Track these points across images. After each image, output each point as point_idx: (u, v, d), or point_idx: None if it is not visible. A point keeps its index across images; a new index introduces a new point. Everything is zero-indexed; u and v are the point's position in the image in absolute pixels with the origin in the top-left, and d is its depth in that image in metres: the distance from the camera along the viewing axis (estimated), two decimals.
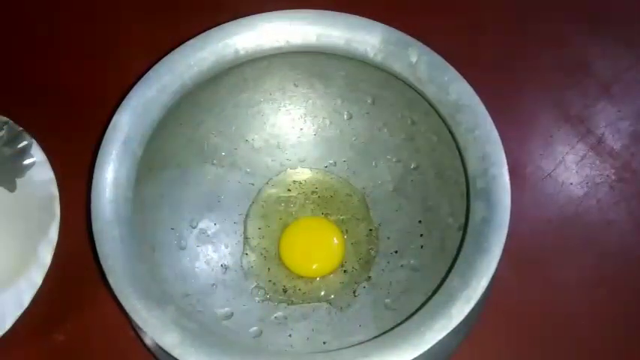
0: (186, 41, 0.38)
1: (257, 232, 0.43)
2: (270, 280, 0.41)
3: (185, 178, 0.42)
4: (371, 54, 0.38)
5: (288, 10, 0.38)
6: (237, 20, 0.38)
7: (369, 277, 0.41)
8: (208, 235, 0.42)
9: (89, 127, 0.42)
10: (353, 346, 0.31)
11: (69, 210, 0.44)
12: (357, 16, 0.38)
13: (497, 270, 0.32)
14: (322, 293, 0.41)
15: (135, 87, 0.37)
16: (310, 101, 0.43)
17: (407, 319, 0.31)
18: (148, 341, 0.36)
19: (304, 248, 0.42)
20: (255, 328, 0.39)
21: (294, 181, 0.44)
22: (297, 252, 0.42)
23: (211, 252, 0.42)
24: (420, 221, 0.41)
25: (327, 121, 0.44)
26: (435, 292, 0.32)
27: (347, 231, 0.43)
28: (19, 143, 0.45)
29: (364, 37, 0.37)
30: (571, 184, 0.46)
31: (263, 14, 0.39)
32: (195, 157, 0.42)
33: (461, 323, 0.31)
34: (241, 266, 0.42)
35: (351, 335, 0.38)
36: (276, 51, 0.39)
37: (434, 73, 0.36)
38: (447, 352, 0.36)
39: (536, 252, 0.44)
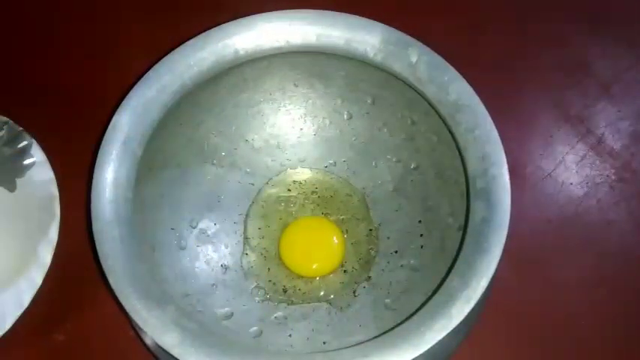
0: (186, 41, 0.38)
1: (257, 232, 0.43)
2: (270, 280, 0.41)
3: (185, 178, 0.42)
4: (371, 54, 0.38)
5: (288, 10, 0.38)
6: (237, 20, 0.38)
7: (369, 277, 0.41)
8: (208, 235, 0.42)
9: (89, 127, 0.42)
10: (353, 346, 0.31)
11: (69, 210, 0.44)
12: (357, 16, 0.38)
13: (497, 270, 0.32)
14: (322, 293, 0.41)
15: (135, 87, 0.37)
16: (310, 101, 0.43)
17: (407, 319, 0.31)
18: (147, 341, 0.36)
19: (304, 248, 0.42)
20: (255, 328, 0.39)
21: (294, 181, 0.44)
22: (297, 252, 0.42)
23: (211, 252, 0.42)
24: (420, 221, 0.41)
25: (327, 121, 0.44)
26: (435, 292, 0.32)
27: (347, 231, 0.43)
28: (19, 143, 0.45)
29: (364, 37, 0.37)
30: (571, 184, 0.46)
31: (263, 14, 0.39)
32: (195, 157, 0.42)
33: (461, 323, 0.31)
34: (241, 266, 0.42)
35: (351, 335, 0.38)
36: (276, 51, 0.39)
37: (434, 73, 0.36)
38: (447, 352, 0.36)
39: (536, 252, 0.44)
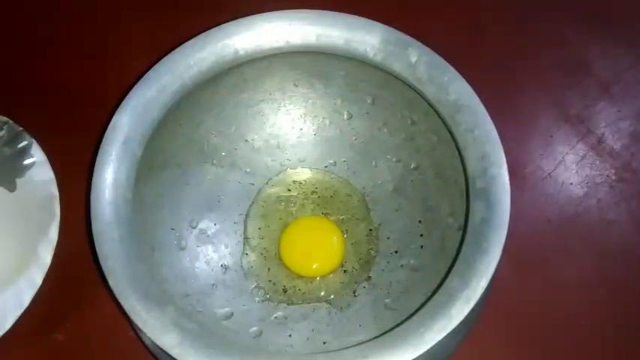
0: (186, 41, 0.38)
1: (257, 232, 0.43)
2: (270, 280, 0.41)
3: (185, 178, 0.42)
4: (371, 54, 0.38)
5: (287, 10, 0.38)
6: (237, 20, 0.38)
7: (369, 277, 0.41)
8: (208, 235, 0.42)
9: (89, 127, 0.42)
10: (353, 346, 0.31)
11: (69, 210, 0.44)
12: (357, 16, 0.38)
13: (497, 270, 0.32)
14: (322, 293, 0.41)
15: (135, 87, 0.37)
16: (310, 101, 0.43)
17: (407, 319, 0.32)
18: (147, 341, 0.36)
19: (304, 248, 0.42)
20: (255, 328, 0.39)
21: (294, 181, 0.44)
22: (297, 252, 0.42)
23: (211, 252, 0.42)
24: (420, 221, 0.41)
25: (327, 121, 0.44)
26: (434, 292, 0.32)
27: (347, 231, 0.43)
28: (19, 143, 0.45)
29: (364, 37, 0.37)
30: (571, 184, 0.46)
31: (263, 14, 0.39)
32: (195, 157, 0.42)
33: (461, 323, 0.31)
34: (241, 266, 0.42)
35: (351, 335, 0.38)
36: (275, 51, 0.39)
37: (433, 73, 0.36)
38: (447, 353, 0.36)
39: (536, 252, 0.44)
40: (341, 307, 0.40)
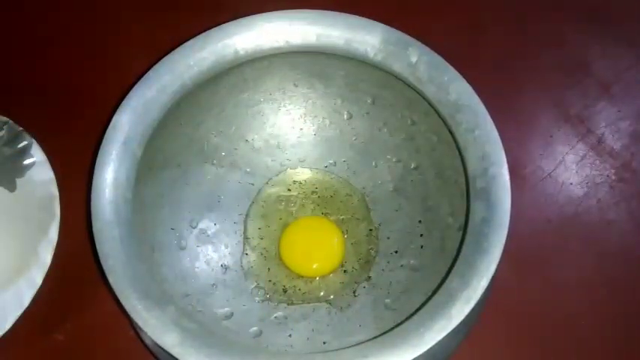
0: (186, 41, 0.38)
1: (257, 232, 0.43)
2: (270, 280, 0.41)
3: (185, 178, 0.42)
4: (371, 54, 0.38)
5: (288, 10, 0.38)
6: (237, 20, 0.38)
7: (369, 277, 0.41)
8: (208, 235, 0.42)
9: (89, 127, 0.42)
10: (353, 346, 0.31)
11: (69, 210, 0.44)
12: (357, 16, 0.38)
13: (497, 270, 0.32)
14: (322, 293, 0.41)
15: (135, 87, 0.37)
16: (310, 101, 0.43)
17: (407, 319, 0.31)
18: (147, 341, 0.36)
19: (304, 248, 0.42)
20: (255, 328, 0.39)
21: (294, 181, 0.44)
22: (297, 251, 0.42)
23: (211, 252, 0.42)
24: (420, 221, 0.41)
25: (327, 121, 0.44)
26: (434, 292, 0.32)
27: (347, 231, 0.43)
28: (19, 143, 0.45)
29: (364, 37, 0.37)
30: (571, 184, 0.46)
31: (263, 14, 0.39)
32: (195, 157, 0.42)
33: (461, 323, 0.31)
34: (241, 266, 0.42)
35: (351, 335, 0.38)
36: (276, 51, 0.39)
37: (434, 73, 0.36)
38: (447, 353, 0.36)
39: (536, 252, 0.44)
40: (341, 307, 0.40)
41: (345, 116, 0.43)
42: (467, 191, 0.35)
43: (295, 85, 0.42)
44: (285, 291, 0.41)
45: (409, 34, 0.37)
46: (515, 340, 0.42)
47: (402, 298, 0.39)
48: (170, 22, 0.53)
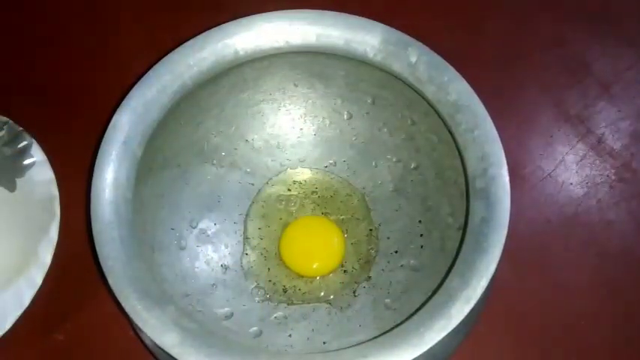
0: (186, 41, 0.38)
1: (257, 232, 0.43)
2: (270, 280, 0.41)
3: (185, 178, 0.42)
4: (371, 54, 0.38)
5: (288, 10, 0.38)
6: (237, 20, 0.38)
7: (369, 277, 0.41)
8: (208, 235, 0.42)
9: (89, 127, 0.42)
10: (353, 346, 0.31)
11: (69, 210, 0.44)
12: (357, 16, 0.38)
13: (497, 270, 0.32)
14: (322, 293, 0.41)
15: (135, 87, 0.37)
16: (310, 101, 0.43)
17: (407, 319, 0.31)
18: (147, 341, 0.36)
19: (304, 247, 0.42)
20: (255, 328, 0.39)
21: (294, 181, 0.44)
22: (297, 251, 0.42)
23: (211, 252, 0.42)
24: (420, 221, 0.41)
25: (327, 121, 0.44)
26: (434, 292, 0.32)
27: (347, 231, 0.43)
28: (19, 143, 0.45)
29: (364, 37, 0.37)
30: (571, 184, 0.46)
31: (263, 14, 0.39)
32: (195, 157, 0.42)
33: (461, 323, 0.31)
34: (241, 266, 0.42)
35: (351, 335, 0.38)
36: (275, 51, 0.39)
37: (433, 73, 0.36)
38: (447, 353, 0.36)
39: (536, 252, 0.44)
40: (341, 307, 0.40)
41: (345, 116, 0.43)
42: (466, 191, 0.35)
43: (295, 85, 0.42)
44: (285, 291, 0.41)
45: (409, 34, 0.37)
46: (515, 340, 0.42)
47: (402, 298, 0.39)
48: (170, 22, 0.53)
